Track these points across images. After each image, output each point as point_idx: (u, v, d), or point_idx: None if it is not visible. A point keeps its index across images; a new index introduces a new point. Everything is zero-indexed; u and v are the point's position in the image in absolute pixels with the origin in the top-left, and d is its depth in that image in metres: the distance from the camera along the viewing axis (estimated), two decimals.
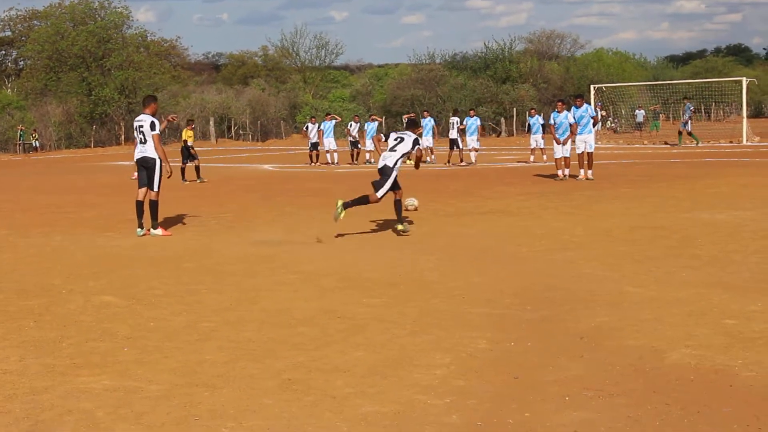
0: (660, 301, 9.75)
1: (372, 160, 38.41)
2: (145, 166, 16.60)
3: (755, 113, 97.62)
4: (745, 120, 47.78)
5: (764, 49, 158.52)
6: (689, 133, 44.62)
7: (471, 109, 39.91)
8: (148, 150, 16.51)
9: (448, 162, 36.79)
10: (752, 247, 13.15)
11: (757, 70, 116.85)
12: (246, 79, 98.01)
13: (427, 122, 38.41)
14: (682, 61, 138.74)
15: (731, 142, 46.43)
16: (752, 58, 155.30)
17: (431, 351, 8.09)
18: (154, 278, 12.02)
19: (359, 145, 40.49)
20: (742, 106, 49.65)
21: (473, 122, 35.99)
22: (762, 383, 6.95)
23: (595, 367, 7.46)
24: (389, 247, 14.34)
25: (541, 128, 35.86)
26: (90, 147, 68.10)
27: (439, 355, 7.96)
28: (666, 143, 47.14)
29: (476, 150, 36.24)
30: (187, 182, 29.28)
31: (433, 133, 38.67)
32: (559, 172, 26.30)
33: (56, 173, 38.67)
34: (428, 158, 37.34)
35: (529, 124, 38.17)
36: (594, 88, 52.30)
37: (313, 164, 39.10)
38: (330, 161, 39.37)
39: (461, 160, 36.71)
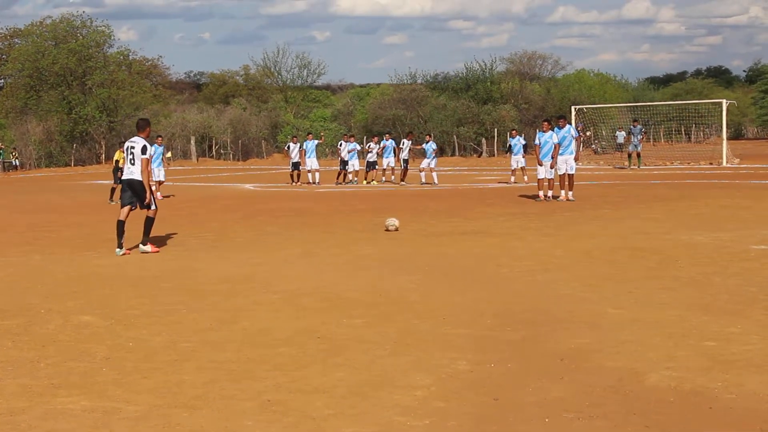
0: (640, 323, 9.76)
1: (355, 180, 39.70)
2: (132, 187, 16.62)
3: (735, 135, 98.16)
4: (725, 142, 47.92)
5: (744, 71, 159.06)
6: (638, 155, 44.79)
7: (428, 134, 41.46)
8: (136, 172, 16.55)
9: (402, 180, 38.60)
10: (731, 269, 13.17)
11: (737, 92, 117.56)
12: (227, 98, 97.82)
13: (389, 144, 40.22)
14: (662, 82, 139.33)
15: (711, 163, 46.57)
16: (732, 80, 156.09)
17: (411, 372, 8.08)
18: (133, 298, 11.98)
19: (347, 166, 40.47)
20: (722, 128, 49.82)
21: (429, 146, 37.21)
22: (741, 405, 6.96)
23: (575, 389, 7.46)
24: (370, 267, 14.32)
25: (522, 149, 36.54)
26: (70, 166, 67.86)
27: (419, 376, 7.95)
28: (618, 166, 47.09)
29: (432, 170, 37.06)
30: (114, 203, 28.74)
31: (395, 153, 40.20)
32: (540, 194, 26.32)
33: (36, 192, 38.51)
34: (392, 177, 40.13)
35: (510, 145, 38.54)
36: (575, 108, 52.43)
37: (294, 184, 39.23)
38: (311, 181, 39.44)
39: (402, 179, 38.77)
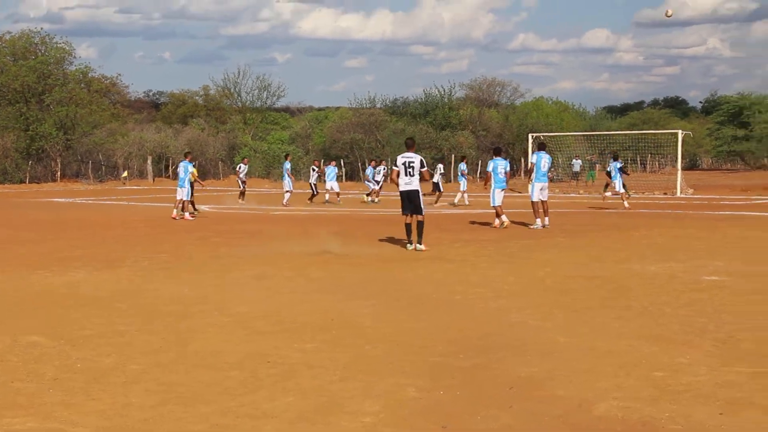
0: (591, 352, 9.80)
1: (327, 198, 43.11)
2: None
3: (690, 166, 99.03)
4: (679, 172, 48.38)
5: (701, 102, 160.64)
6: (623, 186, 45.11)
7: (332, 160, 47.11)
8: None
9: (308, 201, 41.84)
10: (683, 299, 13.25)
11: (693, 122, 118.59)
12: (186, 118, 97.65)
13: (332, 169, 43.94)
14: (620, 112, 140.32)
15: (665, 193, 46.95)
16: (689, 110, 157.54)
17: (361, 398, 8.06)
18: (84, 318, 11.90)
19: (316, 189, 42.92)
20: (677, 158, 50.25)
21: (332, 170, 42.13)
22: None
23: (524, 418, 7.47)
24: (324, 290, 14.29)
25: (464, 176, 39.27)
26: (25, 183, 67.46)
27: (368, 402, 7.93)
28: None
29: (336, 192, 42.72)
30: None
31: (337, 178, 44.20)
32: (497, 220, 26.35)
33: None
34: (338, 200, 43.00)
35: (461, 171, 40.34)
36: (532, 136, 52.70)
37: (242, 202, 41.23)
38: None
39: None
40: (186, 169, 31.27)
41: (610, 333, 10.87)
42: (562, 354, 9.73)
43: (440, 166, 43.33)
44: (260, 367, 9.20)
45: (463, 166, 40.64)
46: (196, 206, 33.11)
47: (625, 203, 35.26)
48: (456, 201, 39.58)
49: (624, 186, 42.69)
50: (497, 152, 27.64)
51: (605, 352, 9.79)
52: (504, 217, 26.11)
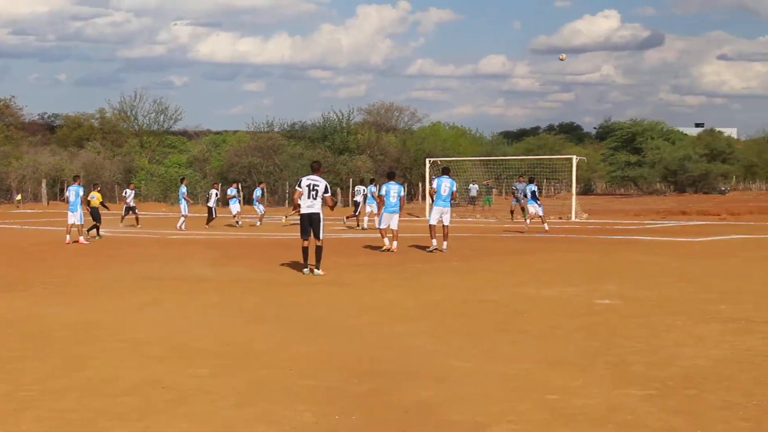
0: (486, 376, 9.86)
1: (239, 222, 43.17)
2: None
3: (584, 190, 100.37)
4: (574, 197, 48.95)
5: (595, 128, 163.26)
6: (522, 209, 45.70)
7: (214, 183, 48.74)
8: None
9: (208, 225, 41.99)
10: (576, 323, 13.40)
11: (588, 148, 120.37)
12: (81, 141, 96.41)
13: (235, 192, 45.22)
14: (516, 137, 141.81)
15: (561, 218, 47.43)
16: (583, 136, 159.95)
17: (256, 423, 8.02)
18: None
19: (215, 213, 43.04)
20: (572, 183, 50.86)
21: (214, 193, 43.88)
22: None
23: None
24: (218, 315, 14.21)
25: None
26: None
27: (263, 427, 7.90)
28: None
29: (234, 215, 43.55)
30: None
31: (240, 202, 45.04)
32: (385, 241, 26.45)
33: None
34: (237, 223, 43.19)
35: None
36: (429, 161, 52.98)
37: (122, 224, 41.97)
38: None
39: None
40: (77, 193, 31.01)
41: (504, 357, 10.95)
42: (456, 378, 9.77)
43: (371, 187, 42.84)
44: (154, 393, 9.11)
45: (373, 188, 40.49)
46: (101, 232, 33.09)
47: (546, 225, 35.76)
48: (366, 225, 39.50)
49: (523, 210, 43.25)
50: (390, 176, 27.82)
51: (500, 376, 9.86)
52: (386, 240, 26.33)
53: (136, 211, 43.96)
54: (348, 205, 65.57)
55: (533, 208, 36.48)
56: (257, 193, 46.05)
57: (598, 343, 11.83)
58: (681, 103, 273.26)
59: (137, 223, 42.09)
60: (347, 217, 42.46)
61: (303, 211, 20.30)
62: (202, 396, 9.00)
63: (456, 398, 8.89)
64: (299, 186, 20.42)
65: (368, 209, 39.60)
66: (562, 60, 43.82)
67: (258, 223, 43.07)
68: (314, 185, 20.20)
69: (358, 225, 40.75)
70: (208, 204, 43.07)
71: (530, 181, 37.90)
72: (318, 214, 20.22)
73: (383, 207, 26.67)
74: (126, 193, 45.08)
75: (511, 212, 46.96)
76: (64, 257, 25.04)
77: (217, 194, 43.52)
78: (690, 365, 10.38)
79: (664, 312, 14.28)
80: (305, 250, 20.18)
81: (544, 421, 8.12)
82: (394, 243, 26.24)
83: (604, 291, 16.93)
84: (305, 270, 19.94)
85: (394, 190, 26.61)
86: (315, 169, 20.84)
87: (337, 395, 9.05)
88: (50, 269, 21.45)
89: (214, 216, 42.10)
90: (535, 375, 9.92)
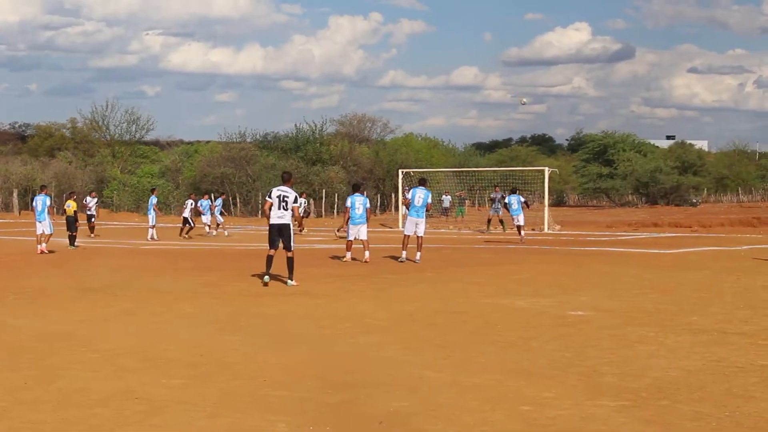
0: (458, 387, 9.87)
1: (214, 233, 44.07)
2: None
3: (557, 202, 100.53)
4: (546, 208, 49.08)
5: (567, 140, 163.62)
6: (500, 221, 45.90)
7: (191, 194, 48.89)
8: None
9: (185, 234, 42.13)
10: (549, 334, 13.43)
11: (560, 159, 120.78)
12: (53, 151, 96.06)
13: (206, 203, 45.44)
14: (488, 148, 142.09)
15: (533, 229, 47.48)
16: (555, 148, 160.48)
17: None
18: None
19: (192, 222, 42.80)
20: (544, 194, 50.99)
21: (189, 203, 43.27)
22: None
23: None
24: (191, 326, 14.17)
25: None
26: None
27: None
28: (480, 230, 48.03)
29: (209, 225, 44.48)
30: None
31: (211, 212, 45.10)
32: (347, 255, 26.49)
33: None
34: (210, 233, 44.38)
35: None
36: (402, 172, 53.04)
37: (93, 236, 41.54)
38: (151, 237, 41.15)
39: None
40: (44, 203, 31.01)
41: (477, 368, 10.96)
42: (429, 389, 9.78)
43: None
44: (127, 403, 9.08)
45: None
46: (76, 242, 33.10)
47: (522, 236, 36.02)
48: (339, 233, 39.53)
49: (501, 222, 43.42)
50: (356, 188, 27.83)
51: (472, 387, 9.87)
52: (348, 254, 26.41)
53: (93, 220, 43.78)
54: (320, 216, 65.61)
55: (522, 218, 36.70)
56: (218, 202, 46.61)
57: (571, 354, 11.86)
58: (652, 116, 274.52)
59: (92, 233, 42.13)
60: (338, 230, 42.36)
61: (272, 221, 20.28)
62: (175, 407, 8.97)
63: (429, 409, 8.89)
64: (269, 197, 20.40)
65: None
66: (523, 104, 44.32)
67: (212, 233, 43.95)
68: (284, 196, 20.21)
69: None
70: (183, 215, 42.88)
71: (513, 192, 38.04)
72: (288, 225, 20.23)
73: (350, 219, 26.72)
74: (86, 200, 45.03)
75: (488, 221, 47.02)
76: (36, 267, 24.92)
77: (192, 204, 43.32)
78: (662, 376, 10.43)
79: (637, 323, 14.33)
80: (270, 259, 20.13)
81: (517, 431, 8.13)
82: (366, 253, 26.25)
83: (577, 302, 16.97)
84: (266, 278, 19.88)
85: (359, 202, 26.66)
86: (285, 180, 20.83)
87: (311, 406, 9.04)
88: (22, 279, 21.35)
89: (192, 225, 41.98)
90: (507, 386, 9.93)
